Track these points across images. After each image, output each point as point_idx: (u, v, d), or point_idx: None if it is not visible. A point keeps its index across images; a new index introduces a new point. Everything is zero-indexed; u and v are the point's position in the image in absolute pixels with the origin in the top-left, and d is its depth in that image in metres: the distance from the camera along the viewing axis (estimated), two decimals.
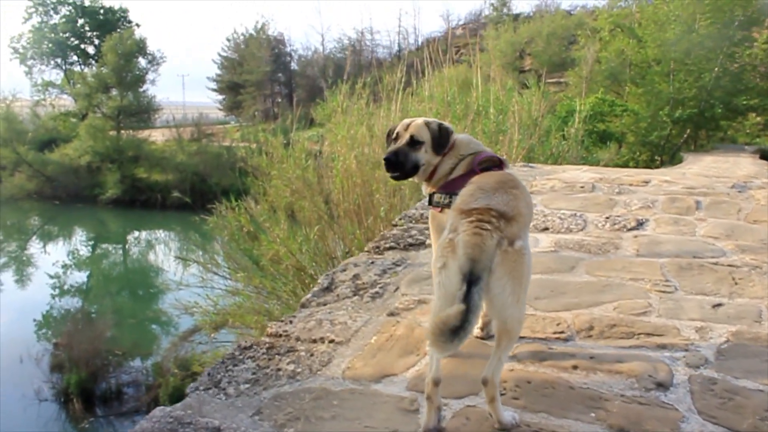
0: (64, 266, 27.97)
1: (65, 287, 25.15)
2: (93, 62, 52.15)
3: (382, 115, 10.50)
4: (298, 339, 2.94)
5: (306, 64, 56.62)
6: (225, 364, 2.74)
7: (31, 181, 40.19)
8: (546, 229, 4.47)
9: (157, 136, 43.10)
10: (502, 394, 2.34)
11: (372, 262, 3.93)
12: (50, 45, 53.12)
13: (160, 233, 35.55)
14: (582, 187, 5.40)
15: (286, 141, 10.80)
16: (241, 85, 53.77)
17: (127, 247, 33.14)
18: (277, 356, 2.78)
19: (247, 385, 2.54)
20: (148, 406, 14.18)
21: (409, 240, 4.31)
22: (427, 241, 4.24)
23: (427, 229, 4.47)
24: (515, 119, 10.57)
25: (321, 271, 8.83)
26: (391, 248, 4.19)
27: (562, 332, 2.93)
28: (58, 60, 54.44)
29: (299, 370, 2.64)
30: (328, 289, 3.58)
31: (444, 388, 2.41)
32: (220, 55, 57.44)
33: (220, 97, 58.17)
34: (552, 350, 2.75)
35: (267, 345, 2.88)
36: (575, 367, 2.58)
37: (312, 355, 2.78)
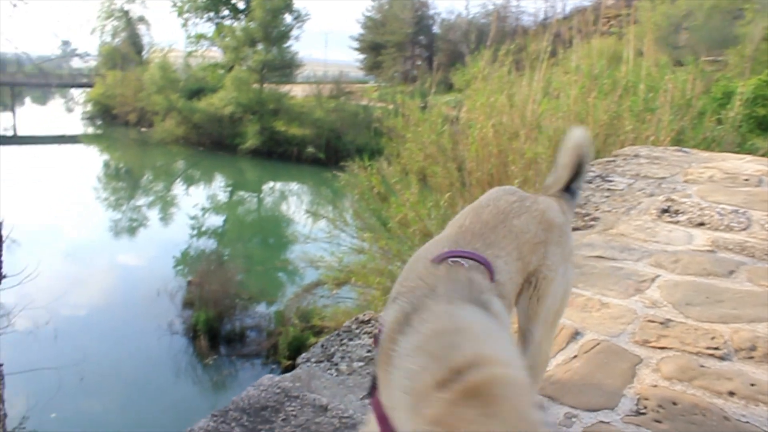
0: (203, 209, 29.41)
1: (203, 229, 26.48)
2: (242, 17, 54.11)
3: (523, 84, 10.13)
4: None
5: (448, 28, 55.76)
6: (340, 336, 2.64)
7: (179, 127, 42.59)
8: (702, 224, 3.99)
9: (297, 92, 44.14)
10: (641, 413, 2.09)
11: None
12: None
13: (294, 185, 36.64)
14: (746, 179, 4.82)
15: (423, 104, 10.68)
16: (383, 46, 53.89)
17: (261, 196, 34.43)
18: None
19: (360, 363, 2.42)
20: (267, 351, 14.81)
21: None
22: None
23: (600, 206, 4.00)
24: (666, 98, 9.80)
25: None
26: None
27: (717, 348, 2.54)
28: (211, 14, 56.95)
29: None
30: None
31: (575, 396, 2.20)
32: (364, 14, 57.87)
33: (361, 56, 58.69)
34: (704, 368, 2.39)
35: None
36: (732, 394, 2.22)
37: None
